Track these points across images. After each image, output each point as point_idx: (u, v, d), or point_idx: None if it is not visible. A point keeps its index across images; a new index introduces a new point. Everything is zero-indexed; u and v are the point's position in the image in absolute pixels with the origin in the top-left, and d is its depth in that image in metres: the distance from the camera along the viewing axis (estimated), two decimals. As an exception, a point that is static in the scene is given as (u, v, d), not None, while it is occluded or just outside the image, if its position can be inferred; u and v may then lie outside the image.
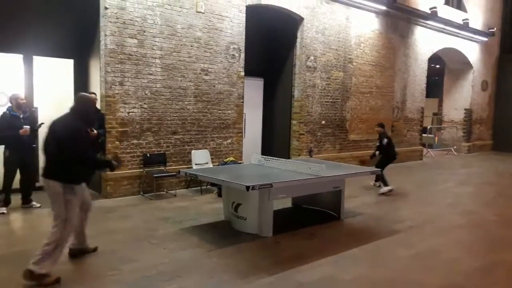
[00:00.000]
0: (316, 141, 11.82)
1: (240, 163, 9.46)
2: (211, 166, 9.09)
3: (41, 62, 8.40)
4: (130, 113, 8.15)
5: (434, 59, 17.22)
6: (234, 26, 9.53)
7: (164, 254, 5.22)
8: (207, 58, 9.13)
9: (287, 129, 11.61)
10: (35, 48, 8.14)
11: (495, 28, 18.52)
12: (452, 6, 16.59)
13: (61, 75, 8.77)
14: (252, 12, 9.89)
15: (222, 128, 9.59)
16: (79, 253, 5.03)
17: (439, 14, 15.01)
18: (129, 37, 8.02)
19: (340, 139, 12.48)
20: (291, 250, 5.57)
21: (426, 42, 15.22)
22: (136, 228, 6.26)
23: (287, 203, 7.74)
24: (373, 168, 8.54)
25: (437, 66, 20.04)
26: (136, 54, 8.12)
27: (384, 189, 9.29)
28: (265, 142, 11.88)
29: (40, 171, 8.36)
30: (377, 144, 9.83)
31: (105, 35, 7.78)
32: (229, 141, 9.75)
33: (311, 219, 7.02)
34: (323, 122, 11.84)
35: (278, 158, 7.54)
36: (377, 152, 9.62)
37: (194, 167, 8.82)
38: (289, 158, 10.82)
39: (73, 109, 4.64)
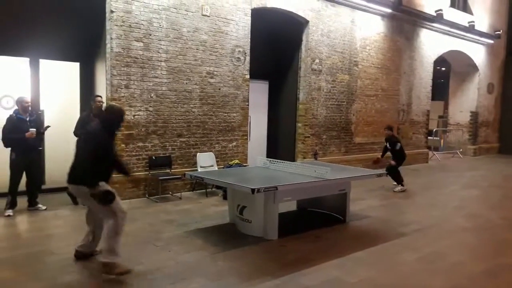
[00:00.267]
0: (321, 144, 11.81)
1: (245, 165, 9.47)
2: (216, 168, 9.10)
3: (47, 66, 8.45)
4: (136, 116, 8.18)
5: (440, 61, 17.18)
6: (240, 29, 9.55)
7: (169, 257, 5.22)
8: (212, 61, 9.15)
9: (292, 131, 11.60)
10: (42, 52, 8.19)
11: (501, 31, 18.42)
12: (458, 9, 16.55)
13: (67, 78, 8.82)
14: (258, 15, 9.91)
15: (227, 131, 9.61)
16: (84, 256, 5.04)
17: (445, 17, 14.96)
18: (135, 41, 8.05)
19: (345, 142, 12.46)
20: (296, 253, 5.57)
21: (431, 44, 15.18)
22: (141, 231, 6.27)
23: (292, 206, 7.74)
24: (379, 171, 8.49)
25: (443, 68, 19.97)
26: (142, 57, 8.15)
27: (399, 187, 9.83)
28: (270, 145, 11.87)
29: (46, 173, 8.48)
30: (388, 147, 10.06)
31: (111, 38, 7.82)
32: (234, 143, 9.76)
33: (317, 222, 7.01)
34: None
35: (283, 161, 7.54)
36: (382, 155, 9.91)
37: (199, 169, 8.83)
38: (294, 161, 10.82)
39: (100, 118, 4.83)
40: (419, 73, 14.85)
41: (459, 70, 18.45)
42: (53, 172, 8.59)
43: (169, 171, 8.61)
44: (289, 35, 11.37)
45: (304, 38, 11.20)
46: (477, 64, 17.84)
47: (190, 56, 8.80)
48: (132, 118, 8.13)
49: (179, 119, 8.76)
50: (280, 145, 11.96)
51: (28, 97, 7.28)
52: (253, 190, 5.39)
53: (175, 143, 8.76)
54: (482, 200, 9.62)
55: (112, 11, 7.78)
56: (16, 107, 6.99)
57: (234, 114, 9.68)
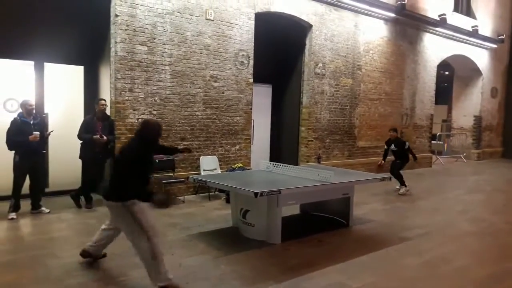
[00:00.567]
0: (325, 147, 11.80)
1: (248, 169, 9.46)
2: (220, 172, 9.11)
3: (52, 69, 8.47)
4: (140, 119, 8.18)
5: (443, 65, 17.15)
6: (243, 33, 9.57)
7: (172, 261, 5.19)
8: (216, 65, 9.17)
9: (296, 135, 11.60)
10: (46, 55, 8.23)
11: (504, 35, 18.39)
12: (461, 13, 16.53)
13: (72, 81, 8.84)
14: (261, 20, 9.93)
15: (231, 134, 9.62)
16: (89, 256, 5.01)
17: (448, 21, 14.96)
18: (139, 44, 8.08)
19: (348, 145, 12.46)
20: (300, 257, 5.56)
21: (435, 49, 15.18)
22: (144, 234, 6.26)
23: (295, 210, 7.73)
24: (383, 175, 8.48)
25: (446, 72, 19.96)
26: (146, 61, 8.18)
27: (404, 189, 10.00)
28: (274, 149, 11.88)
29: (50, 176, 8.49)
30: (394, 148, 10.20)
31: (116, 42, 7.85)
32: (237, 147, 9.77)
33: (320, 226, 7.00)
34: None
35: (287, 165, 7.53)
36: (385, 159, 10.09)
37: (203, 173, 8.83)
38: (297, 164, 10.81)
39: (137, 133, 4.69)
40: (422, 77, 14.84)
41: (462, 75, 18.43)
42: (57, 175, 8.61)
43: (172, 174, 8.61)
44: (292, 39, 11.39)
45: (307, 42, 11.22)
46: (480, 69, 17.81)
47: (194, 60, 8.82)
48: (136, 121, 8.14)
49: (183, 123, 8.77)
50: (283, 148, 11.96)
51: (32, 100, 7.29)
52: (256, 194, 5.38)
53: (178, 147, 8.75)
54: (486, 205, 9.59)
55: (116, 15, 7.81)
56: (20, 110, 7.01)
57: (238, 118, 9.69)
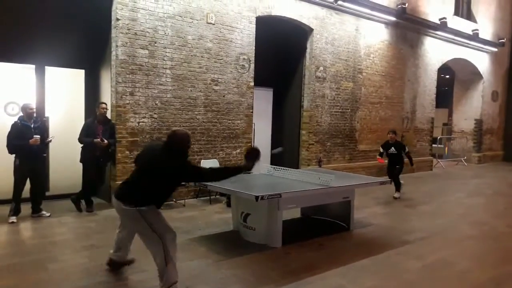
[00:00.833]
0: (326, 151, 11.80)
1: (249, 173, 9.44)
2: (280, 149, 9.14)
3: (52, 72, 8.49)
4: (140, 123, 8.20)
5: (444, 69, 17.16)
6: (244, 37, 9.59)
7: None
8: (217, 69, 9.19)
9: (296, 139, 11.60)
10: (47, 59, 8.24)
11: (505, 39, 18.40)
12: (462, 17, 16.55)
13: (73, 85, 8.85)
14: (262, 23, 9.95)
15: (232, 138, 9.62)
16: (115, 264, 4.92)
17: (449, 25, 14.98)
18: (140, 48, 8.10)
19: (349, 149, 12.45)
20: (301, 261, 5.55)
21: (435, 52, 15.19)
22: (145, 238, 6.26)
23: (296, 214, 7.72)
24: (383, 179, 8.49)
25: (447, 76, 19.96)
26: (147, 64, 8.19)
27: (398, 193, 9.90)
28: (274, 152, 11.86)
29: (50, 180, 8.49)
30: (393, 151, 9.95)
31: (117, 45, 7.86)
32: (238, 150, 9.76)
33: (321, 230, 6.99)
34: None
35: (287, 168, 7.53)
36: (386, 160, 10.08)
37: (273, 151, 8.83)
38: (298, 168, 10.80)
39: (168, 146, 4.43)
40: (423, 80, 14.85)
41: (463, 78, 18.44)
42: (57, 178, 8.61)
43: (173, 178, 8.59)
44: (293, 43, 11.40)
45: (308, 45, 11.23)
46: (481, 72, 17.82)
47: (195, 63, 8.84)
48: (137, 125, 8.15)
49: (184, 126, 8.77)
50: (284, 152, 11.93)
51: (33, 103, 7.29)
52: (257, 198, 5.38)
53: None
54: (487, 208, 9.57)
55: (117, 19, 7.83)
56: (21, 114, 7.02)
57: (238, 121, 9.69)
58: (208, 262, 5.38)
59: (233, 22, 9.37)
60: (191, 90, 8.83)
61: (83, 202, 7.73)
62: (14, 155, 6.89)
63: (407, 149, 10.10)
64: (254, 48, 9.81)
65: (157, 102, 8.38)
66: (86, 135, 7.55)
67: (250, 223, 6.26)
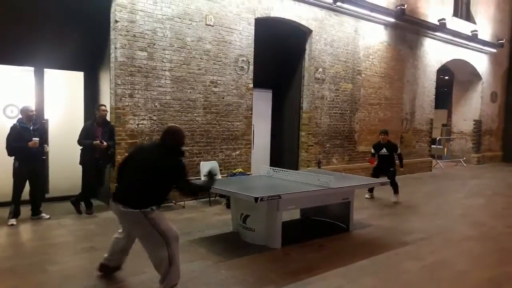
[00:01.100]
0: (325, 152, 11.81)
1: (248, 174, 9.46)
2: (220, 177, 9.09)
3: (52, 75, 8.49)
4: (140, 125, 8.20)
5: (443, 70, 17.20)
6: (243, 39, 9.60)
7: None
8: (216, 70, 9.19)
9: (296, 140, 11.61)
10: (46, 61, 8.25)
11: (504, 39, 18.44)
12: (461, 18, 16.57)
13: (72, 87, 8.86)
14: (261, 25, 9.96)
15: (231, 139, 9.62)
16: (107, 269, 4.84)
17: (448, 26, 15.00)
18: (139, 50, 8.10)
19: (349, 150, 12.46)
20: (300, 262, 5.55)
21: (434, 53, 15.21)
22: (145, 240, 6.26)
23: (295, 215, 7.72)
24: (382, 180, 8.49)
25: (446, 77, 19.99)
26: (146, 66, 8.20)
27: (397, 197, 9.61)
28: (274, 154, 11.88)
29: (50, 182, 8.49)
30: (384, 152, 9.72)
31: (115, 48, 7.87)
32: (237, 152, 9.77)
33: (320, 231, 6.99)
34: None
35: (287, 170, 7.53)
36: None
37: (203, 178, 8.82)
38: (297, 169, 10.81)
39: (166, 143, 4.52)
40: (422, 81, 14.87)
41: (462, 79, 18.46)
42: (57, 181, 8.62)
43: (172, 179, 8.59)
44: (292, 44, 11.41)
45: (307, 47, 11.25)
46: (480, 73, 17.84)
47: (194, 65, 8.85)
48: (136, 127, 8.16)
49: (183, 128, 8.71)
50: (283, 153, 11.96)
51: (32, 106, 7.30)
52: (256, 199, 5.38)
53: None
54: (486, 209, 9.58)
55: (116, 21, 7.84)
56: (20, 116, 7.02)
57: (238, 123, 9.70)
58: (208, 263, 5.38)
59: (232, 24, 9.39)
60: (190, 92, 8.83)
61: (82, 204, 7.73)
62: (13, 157, 6.89)
63: (399, 150, 9.88)
64: (253, 49, 9.82)
65: (156, 104, 8.38)
66: (85, 137, 7.55)
67: (249, 225, 6.26)
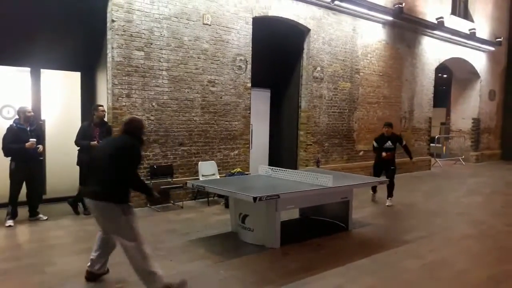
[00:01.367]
0: (324, 151, 11.79)
1: (247, 174, 9.44)
2: (218, 177, 9.08)
3: (48, 75, 8.47)
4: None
5: (441, 68, 17.18)
6: (241, 38, 9.57)
7: (171, 266, 5.18)
8: (214, 70, 9.16)
9: (294, 139, 11.59)
10: (43, 61, 8.22)
11: (502, 38, 18.44)
12: (459, 16, 16.57)
13: (68, 88, 8.84)
14: (259, 24, 9.93)
15: (229, 139, 9.60)
16: (94, 276, 4.76)
17: (446, 24, 14.98)
18: (136, 50, 8.07)
19: (347, 149, 12.44)
20: (299, 261, 5.52)
21: (433, 52, 15.20)
22: (143, 240, 6.23)
23: (294, 214, 7.70)
24: (381, 178, 8.45)
25: (444, 75, 19.97)
26: (143, 66, 8.17)
27: (391, 201, 9.17)
28: (272, 153, 11.85)
29: (47, 183, 8.45)
30: (390, 145, 9.12)
31: (112, 47, 7.84)
32: (236, 152, 9.74)
33: (319, 230, 6.97)
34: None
35: (285, 169, 7.51)
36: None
37: (201, 178, 8.81)
38: (296, 169, 10.78)
39: (127, 131, 4.58)
40: (420, 80, 14.86)
41: (460, 77, 18.46)
42: (54, 181, 8.59)
43: (170, 180, 8.58)
44: (290, 43, 11.39)
45: (305, 46, 11.22)
46: (478, 71, 17.85)
47: (191, 64, 8.81)
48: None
49: (181, 128, 8.75)
50: (282, 153, 11.94)
51: (29, 107, 7.28)
52: (255, 199, 5.36)
53: (176, 152, 8.74)
54: (485, 207, 9.57)
55: (113, 21, 7.80)
56: (16, 117, 6.99)
57: (236, 123, 9.67)
58: (207, 263, 5.35)
59: (230, 23, 9.36)
60: (187, 92, 8.80)
61: (80, 205, 7.69)
62: (9, 159, 6.86)
63: (404, 142, 9.50)
64: (251, 49, 9.79)
65: (153, 104, 8.35)
66: (82, 138, 7.50)
67: (248, 224, 6.24)
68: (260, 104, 11.27)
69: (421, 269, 5.38)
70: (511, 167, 17.11)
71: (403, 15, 13.23)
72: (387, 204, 9.06)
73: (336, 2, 11.27)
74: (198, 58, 8.90)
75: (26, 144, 6.73)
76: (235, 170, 9.37)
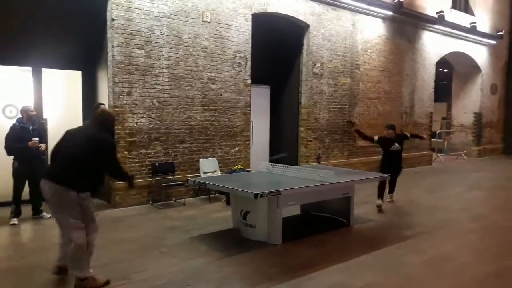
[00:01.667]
0: (324, 147, 11.79)
1: (248, 170, 9.45)
2: (219, 174, 9.09)
3: (49, 74, 8.47)
4: (138, 123, 8.19)
5: (442, 63, 17.16)
6: (240, 35, 9.57)
7: (173, 263, 5.21)
8: (213, 67, 9.17)
9: (295, 136, 11.60)
10: (44, 61, 8.23)
11: (503, 31, 18.37)
12: (460, 10, 16.52)
13: (70, 86, 8.85)
14: (258, 20, 9.92)
15: (230, 136, 9.61)
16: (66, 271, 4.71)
17: (447, 18, 14.95)
18: (136, 48, 8.08)
19: (348, 145, 12.44)
20: (301, 257, 5.54)
21: (433, 46, 15.17)
22: (145, 238, 6.26)
23: (296, 210, 7.71)
24: (383, 174, 8.42)
25: (445, 70, 19.94)
26: (143, 64, 8.17)
27: (391, 197, 9.09)
28: (273, 150, 11.85)
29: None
30: (396, 147, 8.78)
31: (113, 46, 7.85)
32: (236, 149, 9.76)
33: (321, 226, 6.98)
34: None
35: (286, 165, 7.52)
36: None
37: (202, 175, 8.83)
38: (297, 165, 10.79)
39: (98, 122, 4.70)
40: (421, 75, 14.83)
41: (461, 72, 18.42)
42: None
43: (172, 177, 8.61)
44: (290, 40, 11.38)
45: (305, 42, 11.21)
46: (479, 65, 17.80)
47: (191, 62, 8.82)
48: (135, 125, 8.14)
49: (182, 125, 8.77)
50: (283, 149, 11.93)
51: (32, 106, 7.31)
52: (256, 195, 5.38)
53: (177, 149, 8.76)
54: (487, 202, 9.57)
55: (113, 19, 7.81)
56: (19, 116, 7.02)
57: (236, 120, 9.68)
58: (208, 260, 5.37)
59: (229, 20, 9.35)
60: (188, 89, 8.81)
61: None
62: (12, 157, 6.89)
63: (408, 134, 9.28)
64: (250, 45, 9.79)
65: (154, 102, 8.36)
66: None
67: (250, 221, 6.25)
68: (260, 101, 11.27)
69: (423, 264, 5.39)
70: (512, 161, 17.10)
71: (403, 9, 13.21)
72: (388, 200, 9.01)
73: (336, -2, 11.27)
74: (198, 55, 8.90)
75: (29, 143, 6.77)
76: (236, 167, 9.39)
